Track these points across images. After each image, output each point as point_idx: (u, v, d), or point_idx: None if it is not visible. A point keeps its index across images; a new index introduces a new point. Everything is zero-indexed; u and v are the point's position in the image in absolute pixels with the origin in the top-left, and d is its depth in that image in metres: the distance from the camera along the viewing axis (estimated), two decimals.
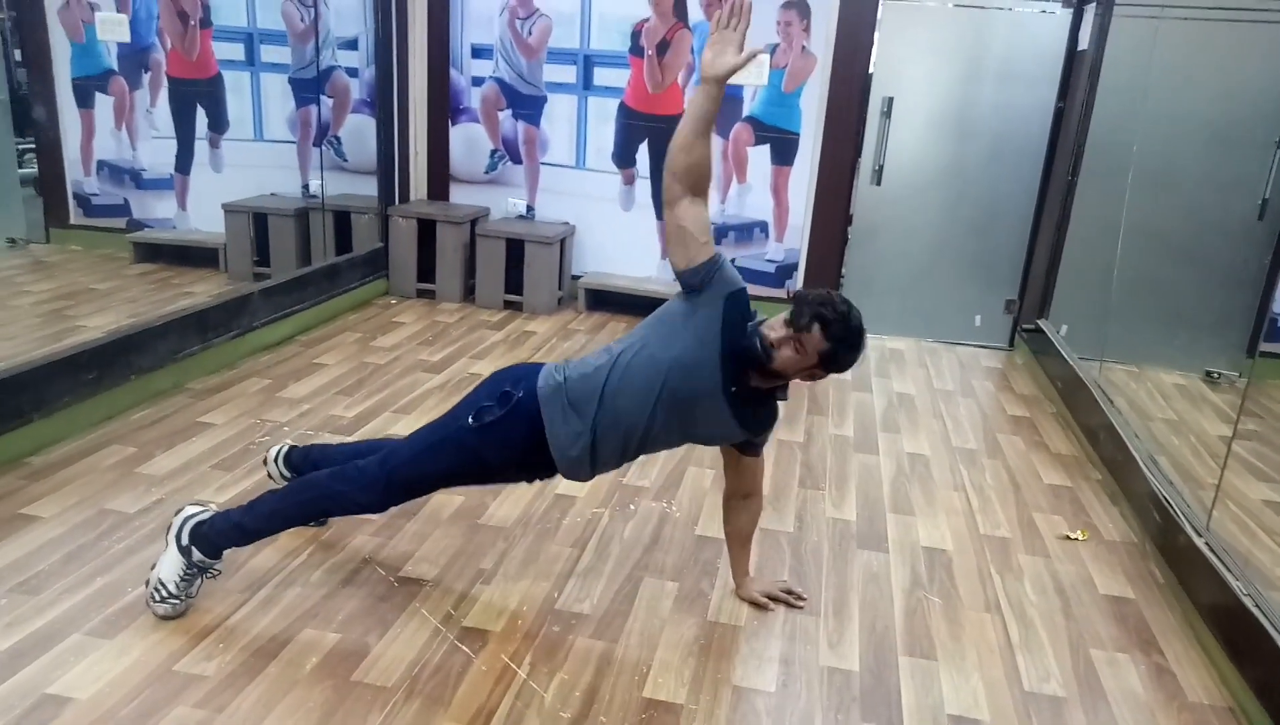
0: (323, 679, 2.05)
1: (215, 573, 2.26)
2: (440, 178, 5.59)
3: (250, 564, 2.44)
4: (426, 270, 5.29)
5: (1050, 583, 2.72)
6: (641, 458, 3.29)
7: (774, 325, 2.07)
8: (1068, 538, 3.00)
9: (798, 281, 5.31)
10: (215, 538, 2.20)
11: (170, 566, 2.19)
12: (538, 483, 2.52)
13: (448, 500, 2.88)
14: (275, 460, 2.67)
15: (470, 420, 2.15)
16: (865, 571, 2.71)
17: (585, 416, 2.13)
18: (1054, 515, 3.16)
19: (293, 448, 2.69)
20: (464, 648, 2.20)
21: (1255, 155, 4.30)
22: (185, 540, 2.19)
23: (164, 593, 2.18)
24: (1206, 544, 2.59)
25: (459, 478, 2.31)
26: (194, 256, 5.03)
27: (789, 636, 2.36)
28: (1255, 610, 2.25)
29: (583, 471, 2.21)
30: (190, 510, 2.25)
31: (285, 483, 2.62)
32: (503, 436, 2.15)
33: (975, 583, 2.69)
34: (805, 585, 2.60)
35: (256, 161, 5.25)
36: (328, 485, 2.24)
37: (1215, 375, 4.40)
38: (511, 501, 2.94)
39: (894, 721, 2.08)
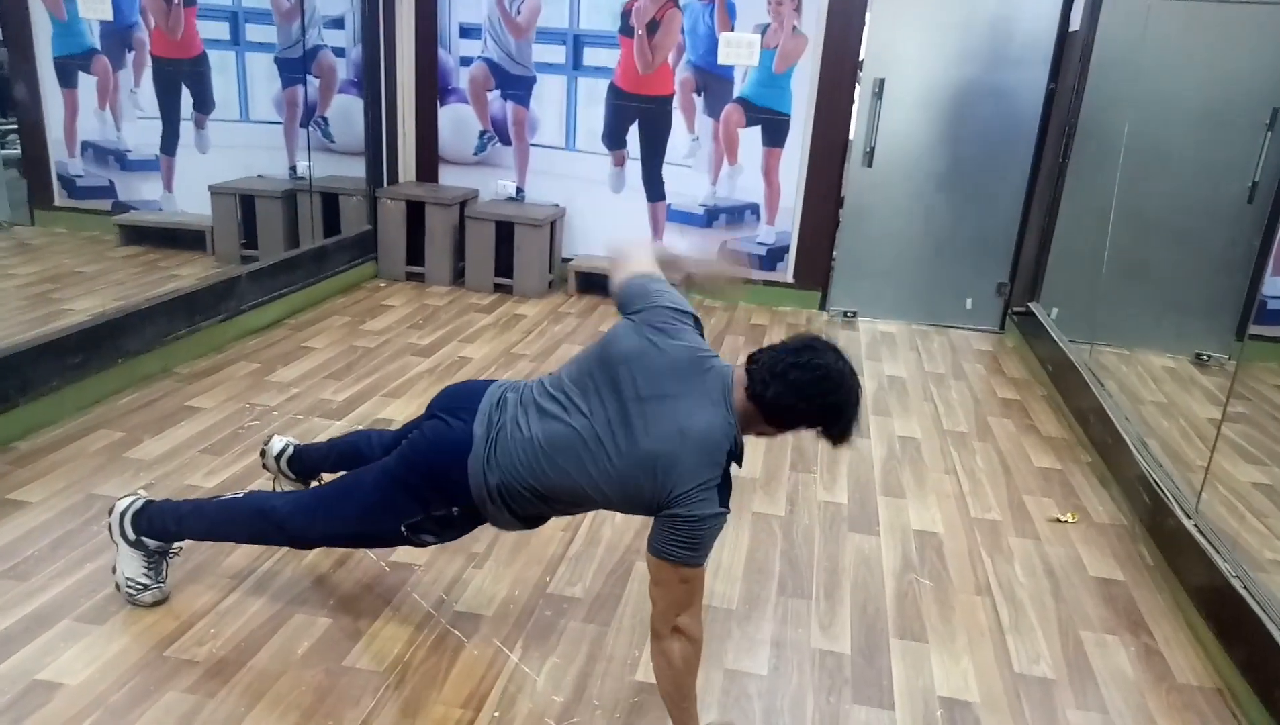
0: (314, 664, 2.05)
1: (175, 552, 2.23)
2: (429, 159, 5.55)
3: (240, 549, 2.43)
4: (415, 253, 5.25)
5: (1040, 565, 2.74)
6: None
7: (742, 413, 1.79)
8: (1058, 520, 3.01)
9: (789, 264, 5.30)
10: (155, 533, 2.15)
11: (130, 564, 2.16)
12: None
13: None
14: (277, 458, 2.54)
15: (404, 533, 1.97)
16: (856, 554, 2.72)
17: (536, 521, 2.02)
18: (1044, 498, 3.18)
19: (296, 450, 2.55)
20: (456, 632, 2.20)
21: (1245, 138, 4.30)
22: (131, 535, 2.15)
23: (138, 586, 2.16)
24: (1195, 526, 2.60)
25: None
26: (181, 239, 4.99)
27: (780, 619, 2.37)
28: (1243, 592, 2.26)
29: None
30: (121, 504, 2.18)
31: (281, 478, 2.57)
32: (442, 537, 2.02)
33: (966, 565, 2.71)
34: (796, 568, 2.61)
35: (243, 142, 5.20)
36: (253, 526, 2.13)
37: (1205, 358, 4.42)
38: None
39: (885, 704, 2.09)
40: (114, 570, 2.19)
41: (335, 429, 3.23)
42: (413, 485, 1.94)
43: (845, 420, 1.80)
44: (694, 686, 1.82)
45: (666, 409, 1.76)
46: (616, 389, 1.81)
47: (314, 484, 2.62)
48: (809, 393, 1.74)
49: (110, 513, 2.18)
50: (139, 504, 2.18)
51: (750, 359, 1.81)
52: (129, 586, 2.16)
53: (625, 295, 1.98)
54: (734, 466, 1.80)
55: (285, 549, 2.45)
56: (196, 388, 3.49)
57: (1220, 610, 2.35)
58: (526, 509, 1.92)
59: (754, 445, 3.42)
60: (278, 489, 2.60)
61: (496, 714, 1.95)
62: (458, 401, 2.00)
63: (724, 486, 1.75)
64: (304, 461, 2.55)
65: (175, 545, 2.22)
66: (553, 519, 2.52)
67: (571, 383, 1.89)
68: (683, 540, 1.71)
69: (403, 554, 2.49)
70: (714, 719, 2.01)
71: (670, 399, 1.77)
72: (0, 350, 2.96)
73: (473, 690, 2.01)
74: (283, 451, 2.55)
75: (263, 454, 2.59)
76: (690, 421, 1.74)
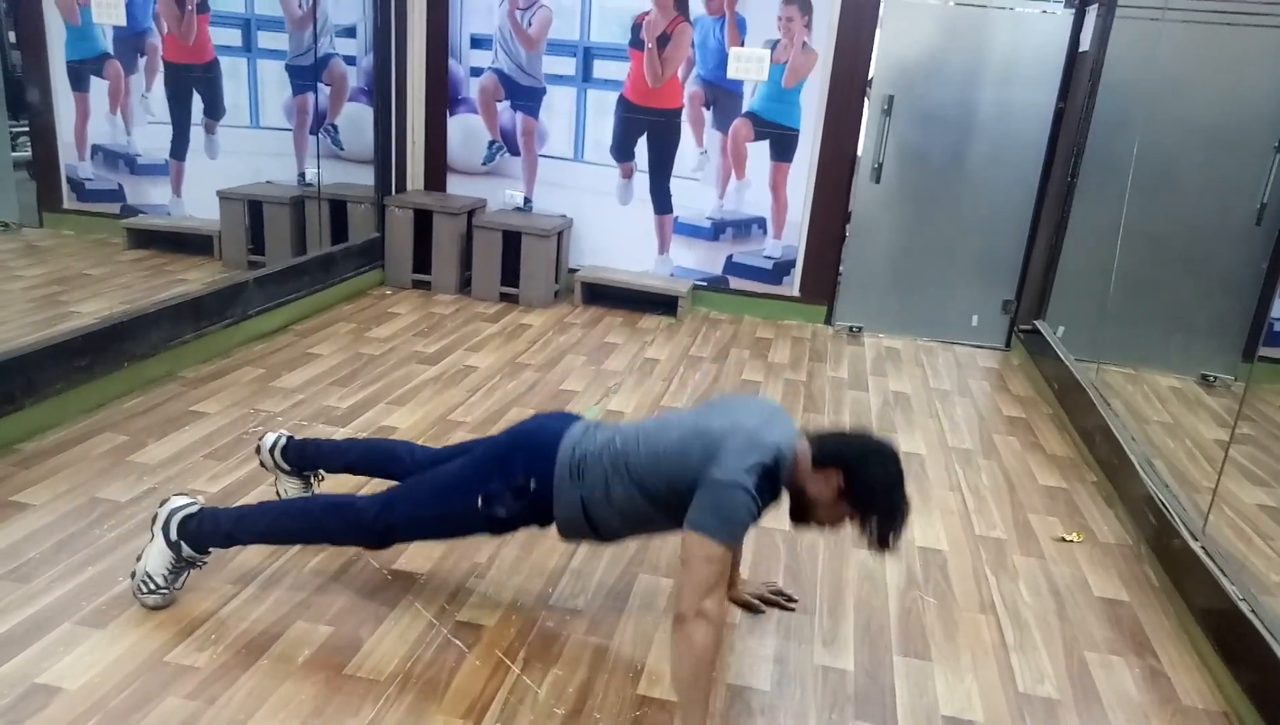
0: (315, 672, 2.04)
1: (202, 565, 2.24)
2: (437, 168, 5.56)
3: (243, 556, 2.42)
4: (422, 261, 5.26)
5: (1045, 584, 2.72)
6: None
7: (812, 475, 1.97)
8: (1063, 539, 3.00)
9: (795, 278, 5.30)
10: (203, 538, 2.17)
11: (157, 559, 2.17)
12: None
13: None
14: (271, 451, 2.60)
15: (479, 503, 2.09)
16: (860, 570, 2.70)
17: (596, 521, 2.10)
18: (1049, 517, 3.16)
19: (290, 440, 2.62)
20: (457, 642, 2.19)
21: (1254, 159, 4.30)
22: (174, 535, 2.16)
23: (152, 585, 2.16)
24: (1202, 548, 2.59)
25: (456, 537, 2.33)
26: (188, 243, 5.00)
27: (784, 635, 2.36)
28: (1250, 615, 2.24)
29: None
30: (177, 502, 2.21)
31: (279, 472, 2.60)
32: (508, 520, 2.12)
33: (970, 583, 2.69)
34: (800, 584, 2.59)
35: (252, 149, 5.22)
36: (323, 521, 2.20)
37: (1211, 379, 4.41)
38: None
39: (888, 721, 2.07)
40: (139, 559, 2.19)
41: (339, 436, 3.23)
42: (502, 458, 2.11)
43: (888, 495, 1.94)
44: (710, 676, 1.84)
45: (733, 414, 2.02)
46: (695, 411, 2.15)
47: (311, 481, 2.63)
48: (861, 449, 1.97)
49: (162, 504, 2.21)
50: (193, 508, 2.20)
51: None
52: (144, 580, 2.16)
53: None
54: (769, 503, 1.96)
55: (286, 556, 2.44)
56: (201, 392, 3.49)
57: (1226, 633, 2.33)
58: (593, 494, 2.04)
59: None
60: (278, 489, 2.62)
61: None
62: (559, 414, 2.27)
63: (764, 480, 1.88)
64: (304, 453, 2.59)
65: (203, 560, 2.22)
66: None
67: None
68: (714, 508, 1.85)
69: (405, 563, 2.48)
70: None
71: (738, 413, 2.04)
72: (7, 352, 2.96)
73: (474, 701, 2.00)
74: (275, 443, 2.59)
75: (258, 451, 2.63)
76: (749, 422, 1.97)
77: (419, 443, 2.98)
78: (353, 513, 2.17)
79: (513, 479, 2.08)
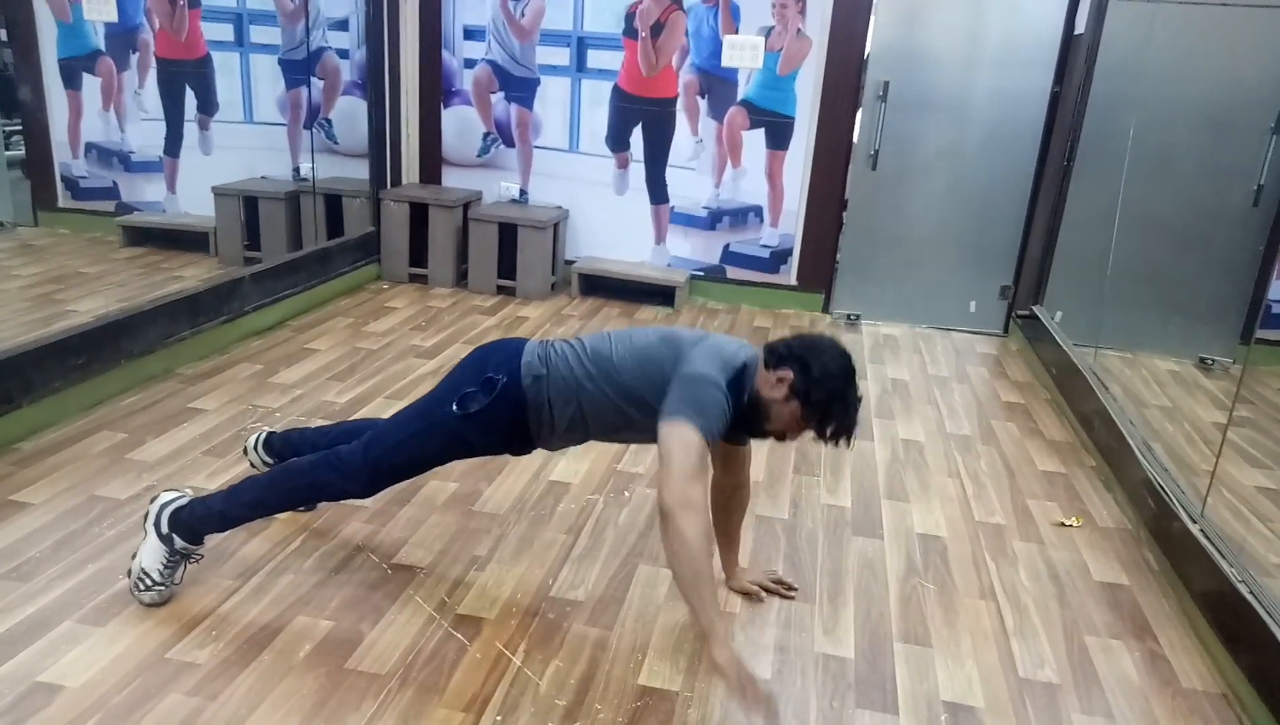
0: (316, 667, 2.04)
1: (198, 558, 2.24)
2: (432, 161, 5.55)
3: (242, 551, 2.42)
4: (419, 255, 5.25)
5: (1045, 569, 2.73)
6: (634, 446, 3.30)
7: (766, 379, 2.03)
8: (1062, 524, 3.00)
9: (792, 267, 5.30)
10: (196, 524, 2.18)
11: (152, 555, 2.17)
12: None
13: (441, 487, 2.87)
14: (255, 448, 2.64)
15: (454, 407, 2.13)
16: (860, 558, 2.71)
17: (563, 414, 2.15)
18: (1048, 502, 3.16)
19: (271, 433, 2.66)
20: (458, 635, 2.19)
21: (1250, 142, 4.29)
22: (165, 528, 2.17)
23: (148, 582, 2.16)
24: (1201, 530, 2.59)
25: (443, 460, 2.30)
26: (184, 240, 4.99)
27: (784, 624, 2.36)
28: (1250, 597, 2.25)
29: (563, 447, 2.32)
30: (167, 496, 2.22)
31: (265, 467, 2.61)
32: (487, 421, 2.15)
33: (970, 569, 2.69)
34: (800, 572, 2.60)
35: (246, 144, 5.20)
36: (311, 473, 2.23)
37: (1209, 362, 4.41)
38: (506, 488, 2.92)
39: (889, 708, 2.08)
40: (134, 556, 2.19)
41: None
42: (467, 370, 2.19)
43: (836, 386, 1.99)
44: (710, 565, 1.86)
45: (698, 332, 2.14)
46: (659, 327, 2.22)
47: None
48: (809, 344, 2.01)
49: (152, 502, 2.22)
50: (182, 501, 2.21)
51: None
52: (141, 577, 2.16)
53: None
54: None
55: (286, 551, 2.45)
56: (199, 389, 3.49)
57: (1226, 615, 2.33)
58: (559, 374, 2.12)
59: (757, 448, 3.41)
60: None
61: (499, 718, 1.94)
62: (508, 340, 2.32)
63: (733, 381, 1.99)
64: (287, 442, 2.64)
65: (199, 552, 2.22)
66: (555, 521, 2.51)
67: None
68: (690, 399, 1.92)
69: (405, 556, 2.48)
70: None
71: (701, 333, 2.15)
72: (3, 351, 2.96)
73: (475, 693, 2.00)
74: (257, 440, 2.65)
75: (245, 452, 2.68)
76: (715, 337, 2.10)
77: None
78: (338, 458, 2.19)
79: (482, 377, 2.14)
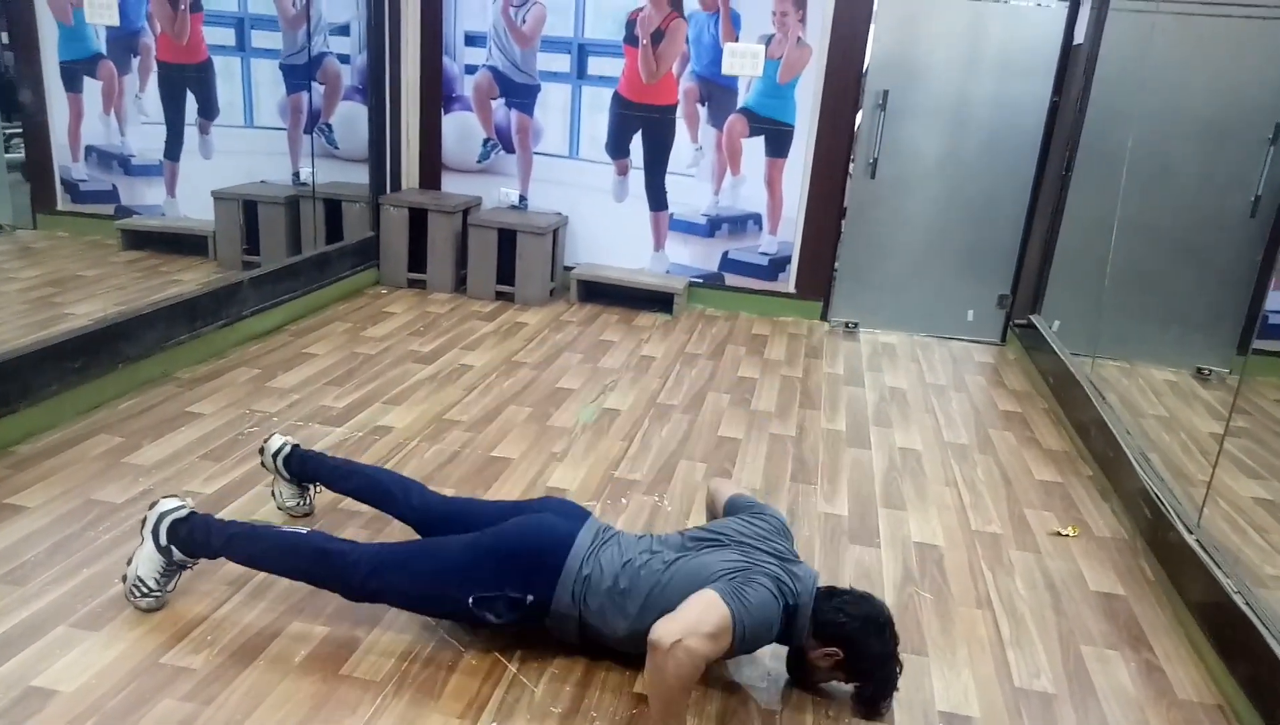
0: (311, 672, 2.04)
1: (192, 567, 2.23)
2: (432, 166, 5.55)
3: None
4: (418, 260, 5.25)
5: (1041, 579, 2.73)
6: (633, 452, 3.30)
7: (813, 645, 2.06)
8: (1059, 534, 3.00)
9: (791, 274, 5.30)
10: (194, 547, 2.16)
11: (148, 564, 2.16)
12: None
13: (440, 491, 2.86)
14: (274, 456, 2.57)
15: (470, 603, 2.04)
16: (857, 567, 2.71)
17: (590, 636, 2.11)
18: (1045, 511, 3.16)
19: (294, 449, 2.58)
20: (454, 642, 2.19)
21: (1248, 151, 4.29)
22: (164, 540, 2.15)
23: (144, 589, 2.16)
24: (1197, 541, 2.59)
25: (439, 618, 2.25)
26: (183, 244, 4.99)
27: None
28: (1245, 608, 2.25)
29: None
30: (167, 505, 2.19)
31: (277, 476, 2.59)
32: (497, 625, 2.08)
33: (966, 578, 2.69)
34: None
35: (247, 148, 5.20)
36: (311, 567, 2.14)
37: (1206, 372, 4.41)
38: (504, 494, 2.92)
39: (885, 718, 2.08)
40: (129, 562, 2.18)
41: (335, 435, 3.23)
42: (507, 562, 2.07)
43: (884, 671, 2.03)
44: (684, 705, 1.87)
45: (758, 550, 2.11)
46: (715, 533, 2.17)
47: (308, 492, 2.64)
48: (859, 626, 2.00)
49: (151, 507, 2.19)
50: (183, 513, 2.18)
51: None
52: (136, 585, 2.16)
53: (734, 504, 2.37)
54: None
55: None
56: (197, 393, 3.49)
57: (1222, 626, 2.34)
58: (594, 612, 2.05)
59: (755, 452, 3.41)
60: (275, 491, 2.62)
61: (494, 724, 1.94)
62: (564, 510, 2.24)
63: (790, 609, 2.00)
64: (306, 467, 2.57)
65: (193, 563, 2.21)
66: None
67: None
68: (741, 590, 1.92)
69: None
70: None
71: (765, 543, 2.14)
72: (1, 354, 2.96)
73: (470, 700, 2.00)
74: (279, 450, 2.58)
75: (261, 452, 2.62)
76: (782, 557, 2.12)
77: (407, 445, 2.98)
78: (341, 567, 2.10)
79: (510, 588, 2.04)
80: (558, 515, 2.20)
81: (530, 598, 2.05)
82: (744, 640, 1.91)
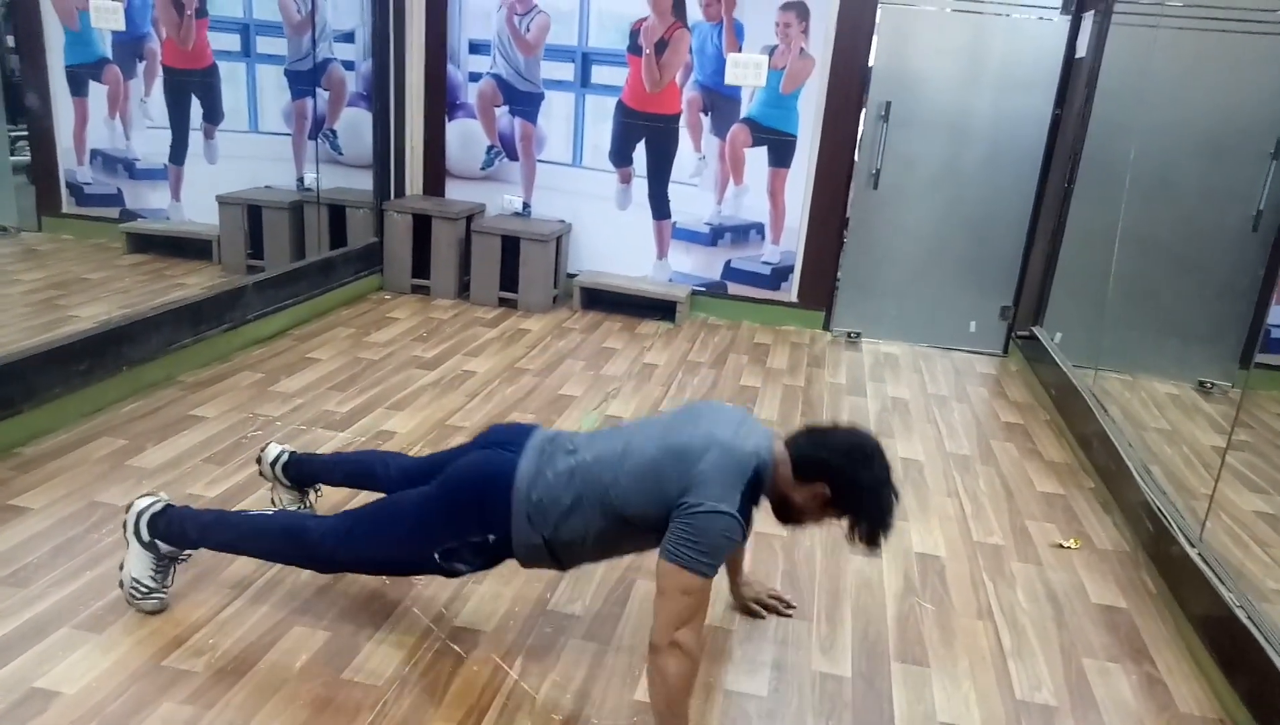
0: (312, 677, 2.04)
1: (185, 558, 2.23)
2: (436, 173, 5.57)
3: (240, 561, 2.41)
4: (421, 266, 5.26)
5: (1043, 591, 2.72)
6: None
7: (796, 488, 1.94)
8: (1060, 546, 3.00)
9: (793, 284, 5.31)
10: (172, 538, 2.17)
11: (139, 564, 2.16)
12: None
13: None
14: (272, 464, 2.57)
15: (437, 558, 2.02)
16: (858, 577, 2.71)
17: (564, 546, 2.01)
18: (1047, 523, 3.16)
19: (291, 456, 2.58)
20: (455, 647, 2.19)
21: (1250, 166, 4.30)
22: (146, 536, 2.15)
23: (142, 589, 2.16)
24: (1199, 554, 2.59)
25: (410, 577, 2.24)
26: (187, 248, 5.00)
27: (781, 641, 2.36)
28: (1247, 622, 2.25)
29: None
30: (141, 503, 2.19)
31: (277, 484, 2.59)
32: (470, 570, 2.07)
33: (968, 589, 2.69)
34: (798, 590, 2.59)
35: (251, 153, 5.22)
36: (276, 544, 2.16)
37: (1208, 385, 4.42)
38: None
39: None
40: (121, 568, 2.18)
41: (338, 440, 3.23)
42: (455, 510, 2.01)
43: (875, 500, 1.89)
44: (687, 706, 1.82)
45: (704, 425, 1.95)
46: (663, 422, 2.05)
47: (310, 494, 2.64)
48: (843, 456, 1.90)
49: (127, 510, 2.19)
50: (158, 507, 2.19)
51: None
52: (133, 588, 2.16)
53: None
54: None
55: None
56: (200, 397, 3.49)
57: (1224, 640, 2.33)
58: (557, 533, 1.96)
59: None
60: (275, 498, 2.62)
61: None
62: (507, 437, 2.12)
63: (746, 498, 1.85)
64: (302, 469, 2.57)
65: (186, 552, 2.22)
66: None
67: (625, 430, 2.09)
68: (694, 539, 1.78)
69: None
70: None
71: (709, 422, 1.96)
72: (5, 357, 2.96)
73: (471, 706, 2.00)
74: (278, 458, 2.57)
75: (259, 461, 2.61)
76: (723, 433, 1.91)
77: (408, 452, 2.98)
78: (305, 541, 2.11)
79: (469, 534, 2.00)
80: (500, 446, 2.09)
81: (491, 537, 1.99)
82: (719, 562, 1.82)
